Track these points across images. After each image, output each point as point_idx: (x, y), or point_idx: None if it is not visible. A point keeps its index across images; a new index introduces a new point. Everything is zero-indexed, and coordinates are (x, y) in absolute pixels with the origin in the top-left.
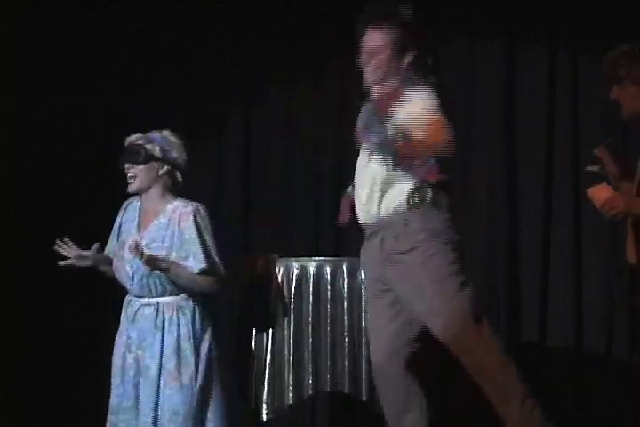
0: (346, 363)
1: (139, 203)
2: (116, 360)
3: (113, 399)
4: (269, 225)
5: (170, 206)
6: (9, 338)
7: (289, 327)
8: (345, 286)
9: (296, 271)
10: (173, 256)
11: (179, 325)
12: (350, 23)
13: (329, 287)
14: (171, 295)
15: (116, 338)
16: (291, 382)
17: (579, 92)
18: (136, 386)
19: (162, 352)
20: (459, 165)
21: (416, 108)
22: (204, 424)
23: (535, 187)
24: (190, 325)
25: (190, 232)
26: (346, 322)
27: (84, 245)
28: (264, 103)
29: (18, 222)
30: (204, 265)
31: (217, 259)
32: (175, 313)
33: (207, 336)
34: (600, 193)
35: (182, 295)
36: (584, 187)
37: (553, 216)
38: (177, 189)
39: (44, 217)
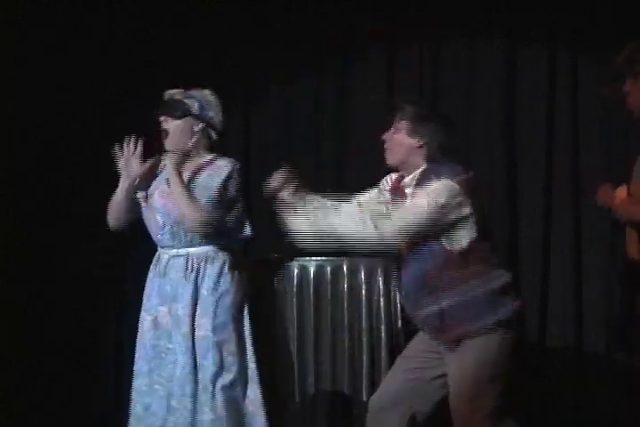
0: (346, 363)
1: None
2: (140, 325)
3: (135, 364)
4: (269, 225)
5: (203, 160)
6: (9, 338)
7: (290, 328)
8: (345, 285)
9: (296, 271)
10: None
11: (204, 275)
12: (350, 23)
13: (329, 287)
14: (200, 245)
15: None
16: (296, 382)
17: (579, 92)
18: (154, 348)
19: (188, 302)
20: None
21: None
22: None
23: (535, 187)
24: (216, 276)
25: (215, 181)
26: (346, 322)
27: (84, 244)
28: (264, 103)
29: (18, 222)
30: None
31: (216, 211)
32: (204, 263)
33: (233, 291)
34: (621, 193)
35: (212, 246)
36: (584, 187)
37: (553, 216)
38: (211, 145)
39: (43, 217)
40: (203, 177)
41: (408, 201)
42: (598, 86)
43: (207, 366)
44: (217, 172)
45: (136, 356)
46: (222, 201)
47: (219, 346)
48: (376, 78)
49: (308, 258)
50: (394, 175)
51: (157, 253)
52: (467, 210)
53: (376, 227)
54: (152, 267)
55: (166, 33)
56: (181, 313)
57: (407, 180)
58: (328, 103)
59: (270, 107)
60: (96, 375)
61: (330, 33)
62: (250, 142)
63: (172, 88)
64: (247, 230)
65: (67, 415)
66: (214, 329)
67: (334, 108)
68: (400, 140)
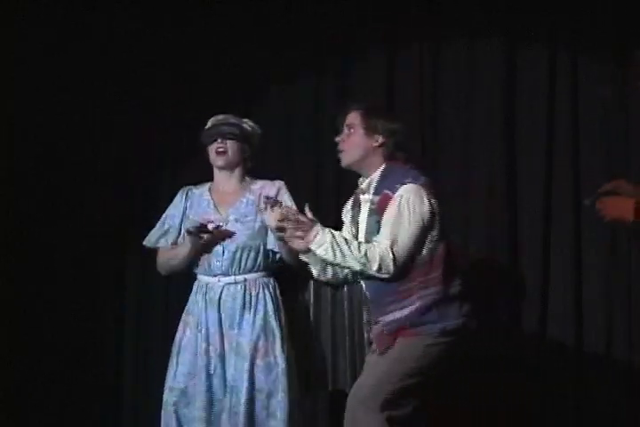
0: (347, 363)
1: (200, 190)
2: (190, 356)
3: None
4: None
5: (254, 186)
6: (9, 338)
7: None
8: (345, 285)
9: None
10: None
11: (265, 301)
12: (350, 23)
13: (329, 287)
14: (257, 272)
15: (185, 334)
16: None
17: (579, 92)
18: (209, 377)
19: (248, 329)
20: (459, 165)
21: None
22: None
23: (535, 187)
24: (275, 301)
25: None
26: (346, 322)
27: (84, 244)
28: (264, 103)
29: (18, 222)
30: None
31: None
32: (261, 290)
33: (285, 313)
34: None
35: (265, 272)
36: (584, 187)
37: (553, 216)
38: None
39: (44, 217)
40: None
41: (385, 217)
42: (598, 86)
43: (272, 391)
44: (282, 197)
45: (192, 385)
46: None
47: (287, 372)
48: (376, 78)
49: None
50: (349, 203)
51: (203, 282)
52: (434, 215)
53: (371, 262)
54: (199, 295)
55: (166, 33)
56: (242, 340)
57: (364, 185)
58: (328, 103)
59: (270, 107)
60: (96, 375)
61: (330, 33)
62: None
63: (172, 89)
64: None
65: (67, 415)
66: (285, 357)
67: (334, 108)
68: (357, 141)
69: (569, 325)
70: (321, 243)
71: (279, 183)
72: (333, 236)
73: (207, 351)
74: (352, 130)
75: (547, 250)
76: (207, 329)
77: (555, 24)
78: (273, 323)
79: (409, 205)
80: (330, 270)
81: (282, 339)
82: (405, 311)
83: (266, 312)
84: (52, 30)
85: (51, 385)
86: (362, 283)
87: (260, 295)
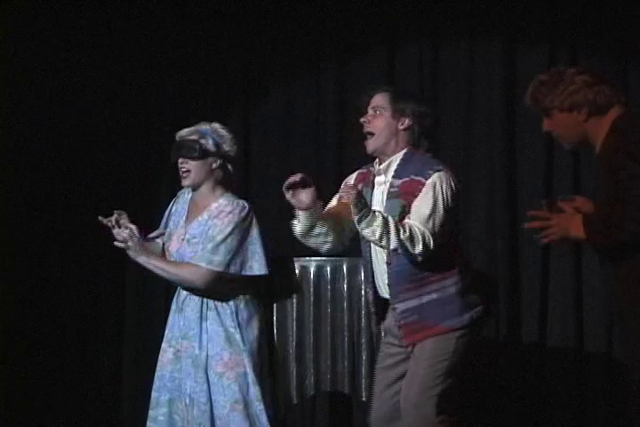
0: (346, 363)
1: (189, 196)
2: (160, 356)
3: (152, 394)
4: (269, 225)
5: (214, 204)
6: (9, 338)
7: (289, 328)
8: (345, 286)
9: (297, 271)
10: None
11: (224, 314)
12: (350, 23)
13: (329, 287)
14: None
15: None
16: (294, 382)
17: None
18: (174, 380)
19: (207, 341)
20: (459, 165)
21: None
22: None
23: (535, 187)
24: (235, 314)
25: (216, 230)
26: (346, 322)
27: (84, 244)
28: (264, 103)
29: (18, 222)
30: (203, 263)
31: (226, 259)
32: (220, 302)
33: (254, 324)
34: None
35: (225, 286)
36: (584, 187)
37: None
38: (229, 183)
39: (43, 217)
40: (211, 228)
41: (420, 203)
42: None
43: (249, 401)
44: (223, 221)
45: (154, 386)
46: (233, 248)
47: (259, 382)
48: (376, 78)
49: (307, 258)
50: (352, 176)
51: (177, 288)
52: (458, 203)
53: (416, 243)
54: (174, 298)
55: (166, 33)
56: (198, 352)
57: (382, 166)
58: (328, 103)
59: (270, 106)
60: (96, 376)
61: (330, 33)
62: (250, 142)
63: (172, 89)
64: (260, 268)
65: (67, 415)
66: (250, 366)
67: (334, 107)
68: (384, 123)
69: (569, 325)
70: (370, 224)
71: (232, 207)
72: (385, 220)
73: (165, 351)
74: (378, 111)
75: (547, 250)
76: (173, 333)
77: (555, 24)
78: (236, 336)
79: (443, 192)
80: (312, 238)
81: (249, 350)
82: (423, 300)
83: (224, 325)
84: (52, 30)
85: (51, 385)
86: (375, 266)
87: (220, 309)
